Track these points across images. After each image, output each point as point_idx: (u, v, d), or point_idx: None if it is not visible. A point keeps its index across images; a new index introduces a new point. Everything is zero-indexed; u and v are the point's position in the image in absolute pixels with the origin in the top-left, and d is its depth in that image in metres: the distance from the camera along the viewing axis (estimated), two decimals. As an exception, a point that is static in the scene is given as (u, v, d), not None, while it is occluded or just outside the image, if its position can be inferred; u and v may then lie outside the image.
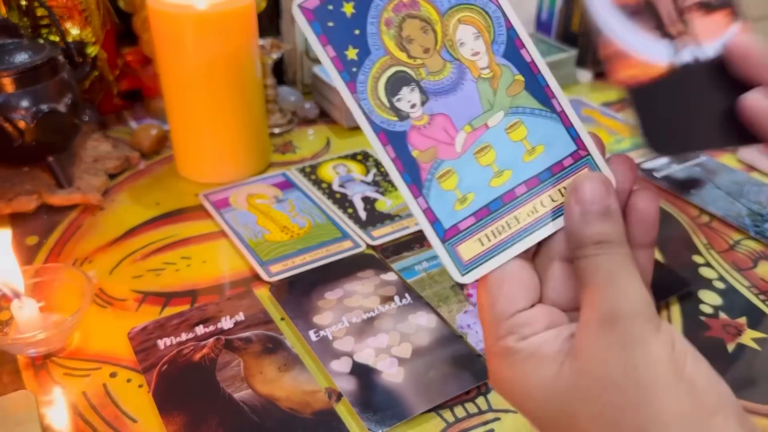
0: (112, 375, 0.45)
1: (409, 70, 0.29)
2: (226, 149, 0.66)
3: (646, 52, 0.30)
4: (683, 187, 0.68)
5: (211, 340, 0.47)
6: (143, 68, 0.77)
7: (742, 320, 0.51)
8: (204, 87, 0.61)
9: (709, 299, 0.53)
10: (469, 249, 0.29)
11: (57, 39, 0.65)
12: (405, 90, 0.29)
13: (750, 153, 0.73)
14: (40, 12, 0.64)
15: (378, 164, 0.69)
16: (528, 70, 0.30)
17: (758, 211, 0.64)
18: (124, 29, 0.76)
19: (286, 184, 0.66)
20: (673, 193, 0.67)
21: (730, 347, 0.48)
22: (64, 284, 0.49)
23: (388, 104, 0.29)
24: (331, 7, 0.28)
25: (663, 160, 0.73)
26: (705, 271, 0.56)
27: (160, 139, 0.71)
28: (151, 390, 0.43)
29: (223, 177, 0.66)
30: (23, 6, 0.64)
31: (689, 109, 0.31)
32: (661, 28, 0.31)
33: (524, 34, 0.30)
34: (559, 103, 0.30)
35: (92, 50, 0.69)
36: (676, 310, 0.52)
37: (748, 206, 0.65)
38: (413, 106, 0.29)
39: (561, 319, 0.28)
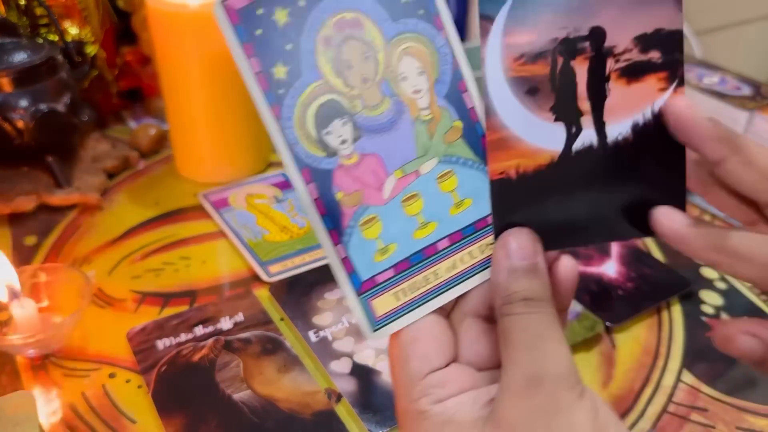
0: (111, 376, 0.45)
1: (343, 101, 0.26)
2: (225, 149, 0.66)
3: (538, 138, 0.27)
4: (684, 186, 0.68)
5: (211, 340, 0.47)
6: (142, 67, 0.77)
7: (744, 321, 0.51)
8: (203, 86, 0.61)
9: (711, 299, 0.53)
10: (383, 304, 0.27)
11: (56, 38, 0.65)
12: (337, 123, 0.26)
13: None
14: (39, 11, 0.64)
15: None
16: (468, 117, 0.28)
17: (759, 211, 0.64)
18: (123, 28, 0.76)
19: (286, 184, 0.65)
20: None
21: (732, 348, 0.48)
22: (63, 284, 0.49)
23: (315, 137, 0.26)
24: (261, 11, 0.25)
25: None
26: (706, 272, 0.56)
27: (159, 139, 0.71)
28: (150, 391, 0.43)
29: (223, 177, 0.66)
30: (22, 5, 0.64)
31: (578, 201, 0.28)
32: (561, 108, 0.27)
33: (470, 76, 0.28)
34: None
35: (91, 49, 0.69)
36: (677, 310, 0.52)
37: (749, 206, 0.64)
38: (344, 141, 0.26)
39: (477, 380, 0.27)
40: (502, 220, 0.28)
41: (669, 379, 0.46)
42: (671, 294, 0.52)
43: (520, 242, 0.27)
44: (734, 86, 0.81)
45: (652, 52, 0.27)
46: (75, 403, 0.43)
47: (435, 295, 0.28)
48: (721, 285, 0.54)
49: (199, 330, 0.48)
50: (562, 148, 0.27)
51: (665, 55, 0.27)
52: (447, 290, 0.28)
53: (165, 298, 0.52)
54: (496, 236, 0.28)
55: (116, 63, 0.75)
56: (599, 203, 0.28)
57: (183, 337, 0.47)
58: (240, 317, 0.49)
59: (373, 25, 0.26)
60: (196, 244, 0.58)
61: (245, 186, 0.65)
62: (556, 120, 0.27)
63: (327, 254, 0.27)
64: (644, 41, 0.27)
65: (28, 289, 0.48)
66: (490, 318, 0.28)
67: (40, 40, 0.61)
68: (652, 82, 0.27)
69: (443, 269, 0.28)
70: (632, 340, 0.49)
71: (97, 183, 0.63)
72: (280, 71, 0.25)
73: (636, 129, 0.27)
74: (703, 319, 0.51)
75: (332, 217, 0.27)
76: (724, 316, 0.51)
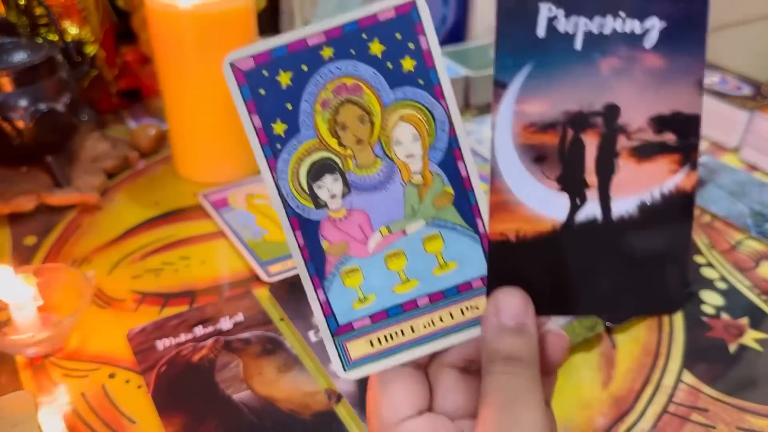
0: (111, 376, 0.45)
1: (336, 159, 0.28)
2: (225, 149, 0.66)
3: (541, 206, 0.27)
4: (684, 186, 0.68)
5: (210, 340, 0.47)
6: (142, 67, 0.77)
7: (744, 321, 0.51)
8: (203, 86, 0.61)
9: (711, 300, 0.53)
10: (358, 348, 0.29)
11: (55, 38, 0.65)
12: (328, 178, 0.28)
13: (752, 153, 0.73)
14: (38, 11, 0.64)
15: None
16: (460, 185, 0.29)
17: (760, 211, 0.64)
18: (122, 28, 0.76)
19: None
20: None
21: (732, 348, 0.48)
22: (62, 285, 0.49)
23: (307, 190, 0.28)
24: (266, 73, 0.27)
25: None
26: (707, 272, 0.56)
27: (158, 139, 0.71)
28: (150, 391, 0.43)
29: (222, 177, 0.66)
30: (22, 5, 0.64)
31: (576, 272, 0.28)
32: (567, 179, 0.27)
33: (466, 146, 0.28)
34: (484, 224, 0.29)
35: (91, 49, 0.69)
36: (677, 310, 0.52)
37: (750, 206, 0.64)
38: (333, 196, 0.28)
39: (451, 430, 0.28)
40: (498, 279, 0.28)
41: (669, 380, 0.46)
42: (671, 294, 0.52)
43: (511, 301, 0.27)
44: (734, 86, 0.81)
45: (667, 134, 0.27)
46: (75, 403, 0.43)
47: (409, 348, 0.29)
48: (722, 285, 0.54)
49: (199, 330, 0.48)
50: (565, 218, 0.28)
51: (680, 138, 0.27)
52: (422, 345, 0.29)
53: (165, 298, 0.52)
54: (489, 294, 0.28)
55: (116, 63, 0.75)
56: (597, 277, 0.28)
57: (183, 337, 0.47)
58: (240, 317, 0.49)
59: (372, 91, 0.27)
60: (196, 244, 0.58)
61: (245, 186, 0.65)
62: (561, 190, 0.27)
63: (308, 296, 0.28)
64: (660, 122, 0.27)
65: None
66: (468, 369, 0.29)
67: (40, 40, 0.61)
68: (663, 163, 0.27)
69: (420, 325, 0.29)
70: (632, 340, 0.49)
71: (96, 183, 0.63)
72: (279, 128, 0.27)
73: (642, 208, 0.27)
74: (704, 319, 0.51)
75: (316, 263, 0.28)
76: (724, 316, 0.51)
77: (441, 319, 0.29)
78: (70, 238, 0.58)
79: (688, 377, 0.46)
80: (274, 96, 0.27)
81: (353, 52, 0.27)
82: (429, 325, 0.29)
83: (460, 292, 0.29)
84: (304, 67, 0.27)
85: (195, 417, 0.41)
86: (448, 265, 0.29)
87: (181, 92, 0.63)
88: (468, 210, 0.29)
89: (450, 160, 0.28)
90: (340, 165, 0.28)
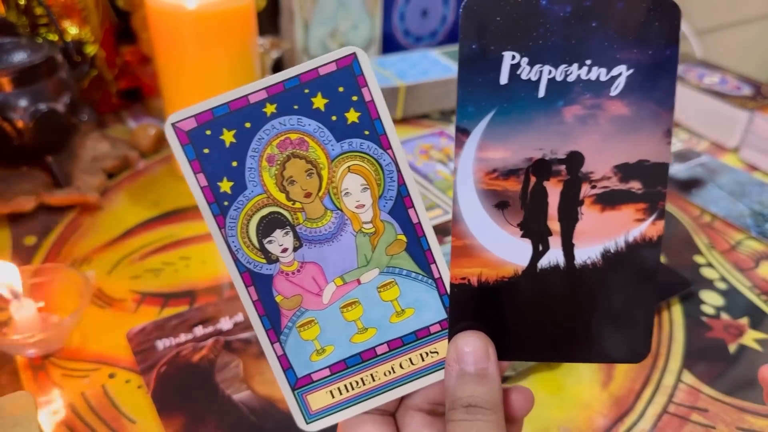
0: (111, 376, 0.45)
1: (285, 213, 0.28)
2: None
3: (503, 251, 0.27)
4: (685, 187, 0.68)
5: (210, 340, 0.47)
6: (142, 67, 0.77)
7: (744, 321, 0.51)
8: (203, 86, 0.61)
9: (711, 300, 0.53)
10: (318, 399, 0.29)
11: (55, 38, 0.65)
12: (278, 233, 0.28)
13: (752, 153, 0.73)
14: (38, 11, 0.64)
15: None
16: (412, 232, 0.29)
17: (760, 211, 0.64)
18: (123, 28, 0.76)
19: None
20: (674, 193, 0.67)
21: (732, 348, 0.48)
22: (62, 285, 0.49)
23: (257, 245, 0.28)
24: (209, 132, 0.27)
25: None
26: (706, 272, 0.56)
27: (159, 139, 0.71)
28: (150, 391, 0.43)
29: (223, 177, 0.66)
30: (21, 5, 0.64)
31: (538, 318, 0.28)
32: (529, 225, 0.27)
33: (416, 192, 0.28)
34: (438, 269, 0.29)
35: (91, 49, 0.69)
36: (677, 310, 0.52)
37: (750, 206, 0.65)
38: (285, 250, 0.28)
39: None
40: (459, 324, 0.28)
41: (669, 380, 0.46)
42: (671, 294, 0.52)
43: (472, 346, 0.27)
44: (734, 86, 0.81)
45: (632, 182, 0.27)
46: (75, 403, 0.43)
47: (371, 396, 0.29)
48: (722, 285, 0.54)
49: (199, 330, 0.48)
50: (527, 264, 0.28)
51: (647, 187, 0.27)
52: (384, 392, 0.29)
53: (165, 299, 0.52)
54: (450, 339, 0.28)
55: (116, 63, 0.75)
56: (559, 323, 0.28)
57: (183, 337, 0.47)
58: (240, 317, 0.49)
59: (318, 144, 0.27)
60: (196, 244, 0.58)
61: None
62: (523, 236, 0.27)
63: (264, 351, 0.28)
64: (625, 171, 0.27)
65: (28, 289, 0.48)
66: (434, 412, 0.29)
67: (40, 40, 0.61)
68: (629, 212, 0.27)
69: (380, 373, 0.29)
70: (632, 341, 0.49)
71: (96, 183, 0.63)
72: (225, 186, 0.27)
73: (606, 256, 0.27)
74: (704, 319, 0.51)
75: (271, 317, 0.28)
76: (724, 316, 0.51)
77: (401, 366, 0.29)
78: (70, 238, 0.58)
79: (688, 377, 0.46)
80: (218, 154, 0.27)
81: (296, 107, 0.27)
82: (389, 372, 0.29)
83: (418, 338, 0.29)
84: (248, 124, 0.27)
85: (195, 417, 0.41)
86: (405, 312, 0.29)
87: (181, 92, 0.63)
88: (422, 256, 0.29)
89: (401, 208, 0.28)
90: (290, 219, 0.28)
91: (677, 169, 0.71)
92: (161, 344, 0.46)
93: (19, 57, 0.56)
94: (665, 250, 0.58)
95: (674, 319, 0.51)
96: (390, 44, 0.90)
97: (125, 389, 0.44)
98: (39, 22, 0.65)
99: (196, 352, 0.46)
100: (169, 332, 0.47)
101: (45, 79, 0.57)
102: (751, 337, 0.49)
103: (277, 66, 0.84)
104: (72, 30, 0.67)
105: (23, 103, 0.56)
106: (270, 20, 0.82)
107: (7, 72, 0.55)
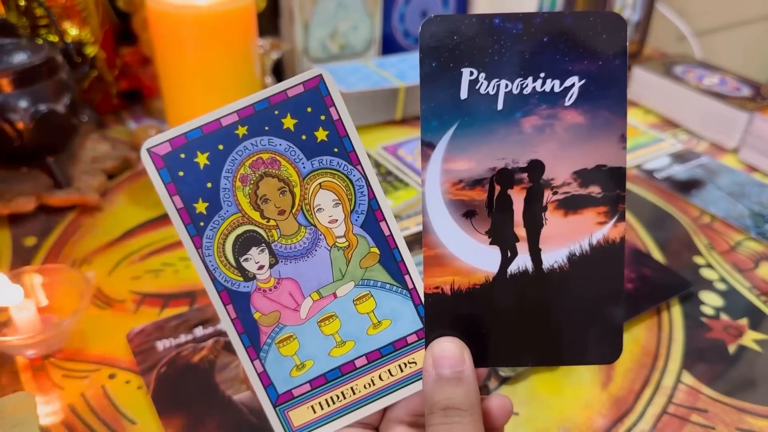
0: (111, 377, 0.45)
1: (260, 231, 0.28)
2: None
3: (473, 259, 0.28)
4: (684, 187, 0.68)
5: (210, 341, 0.47)
6: (142, 68, 0.77)
7: (743, 321, 0.51)
8: (203, 87, 0.61)
9: (710, 300, 0.53)
10: (300, 415, 0.29)
11: (56, 39, 0.65)
12: (254, 250, 0.28)
13: (751, 154, 0.73)
14: (38, 12, 0.64)
15: (378, 165, 0.69)
16: (385, 244, 0.29)
17: (759, 211, 0.64)
18: (123, 29, 0.76)
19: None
20: (674, 194, 0.67)
21: (731, 348, 0.48)
22: (62, 285, 0.49)
23: (234, 263, 0.28)
24: (183, 156, 0.28)
25: (665, 160, 0.73)
26: (706, 272, 0.56)
27: (159, 140, 0.71)
28: (149, 392, 0.43)
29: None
30: (22, 6, 0.64)
31: (511, 322, 0.29)
32: (496, 232, 0.28)
33: (386, 206, 0.29)
34: (412, 279, 0.30)
35: (91, 50, 0.69)
36: (677, 311, 0.52)
37: (749, 207, 0.65)
38: (261, 267, 0.29)
39: None
40: (434, 332, 0.29)
41: (669, 380, 0.46)
42: (671, 295, 0.52)
43: (447, 351, 0.27)
44: (734, 87, 0.81)
45: (592, 186, 0.28)
46: (75, 404, 0.43)
47: (352, 409, 0.29)
48: (721, 286, 0.54)
49: (199, 331, 0.48)
50: (497, 270, 0.28)
51: (606, 190, 0.28)
52: (365, 405, 0.29)
53: (165, 299, 0.52)
54: (427, 347, 0.29)
55: (116, 64, 0.75)
56: (531, 327, 0.29)
57: (183, 338, 0.47)
58: (240, 318, 0.49)
59: (289, 163, 0.28)
60: (196, 244, 0.58)
61: (245, 187, 0.65)
62: (491, 243, 0.28)
63: (245, 368, 0.29)
64: (584, 176, 0.28)
65: (28, 290, 0.48)
66: (416, 423, 0.30)
67: (40, 41, 0.61)
68: (590, 215, 0.28)
69: (360, 386, 0.29)
70: (632, 341, 0.49)
71: (96, 184, 0.63)
72: (201, 206, 0.28)
73: (572, 259, 0.28)
74: (703, 320, 0.51)
75: (250, 334, 0.29)
76: (723, 317, 0.51)
77: (381, 378, 0.30)
78: (70, 239, 0.58)
79: (688, 378, 0.46)
80: (193, 176, 0.28)
81: (267, 128, 0.28)
82: (369, 385, 0.29)
83: (396, 349, 0.30)
84: (221, 147, 0.28)
85: (195, 418, 0.41)
86: (381, 323, 0.30)
87: (182, 93, 0.63)
88: (395, 267, 0.30)
89: (372, 221, 0.29)
90: (265, 236, 0.28)
91: (677, 170, 0.71)
92: (161, 345, 0.46)
93: (20, 58, 0.56)
94: (664, 250, 0.58)
95: (674, 319, 0.51)
96: (390, 45, 0.91)
97: (125, 390, 0.44)
98: (39, 23, 0.65)
99: (196, 353, 0.46)
100: (169, 333, 0.47)
101: (45, 80, 0.57)
102: (750, 338, 0.49)
103: (278, 67, 0.84)
104: (72, 31, 0.67)
105: (23, 104, 0.56)
106: (270, 21, 0.83)
107: (7, 73, 0.55)
